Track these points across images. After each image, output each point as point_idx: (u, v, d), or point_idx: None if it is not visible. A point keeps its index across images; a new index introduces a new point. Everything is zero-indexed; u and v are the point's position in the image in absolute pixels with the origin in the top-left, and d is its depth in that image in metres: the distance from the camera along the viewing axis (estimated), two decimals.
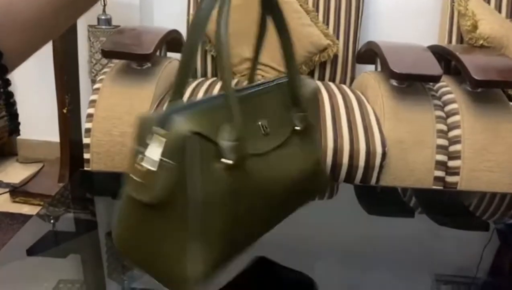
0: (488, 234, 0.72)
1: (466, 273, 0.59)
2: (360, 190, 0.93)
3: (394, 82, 1.23)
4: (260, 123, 0.50)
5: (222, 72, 0.43)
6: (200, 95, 1.23)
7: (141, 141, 0.41)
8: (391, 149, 1.11)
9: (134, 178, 0.42)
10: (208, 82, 1.34)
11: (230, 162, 0.43)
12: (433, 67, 1.16)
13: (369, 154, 1.09)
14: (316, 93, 0.61)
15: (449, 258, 0.62)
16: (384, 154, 1.09)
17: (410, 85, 1.23)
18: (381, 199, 0.87)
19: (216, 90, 1.25)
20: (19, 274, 0.51)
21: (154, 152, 0.41)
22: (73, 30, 1.56)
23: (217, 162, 0.43)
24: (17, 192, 1.69)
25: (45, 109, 1.90)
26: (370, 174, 1.10)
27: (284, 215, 0.59)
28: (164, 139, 0.41)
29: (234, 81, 1.34)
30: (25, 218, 1.56)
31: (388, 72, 1.17)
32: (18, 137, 2.00)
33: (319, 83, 1.39)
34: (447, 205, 0.84)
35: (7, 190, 1.73)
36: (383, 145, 1.10)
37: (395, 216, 0.77)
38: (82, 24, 1.64)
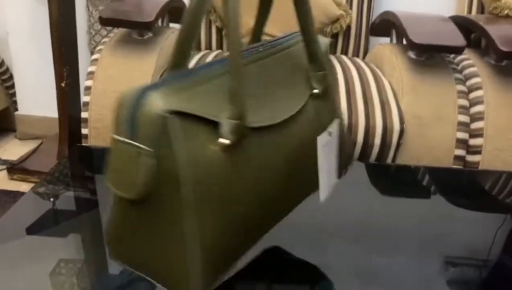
0: (506, 216, 0.66)
1: (477, 256, 0.57)
2: (374, 168, 0.87)
3: (412, 55, 1.15)
4: (270, 90, 0.44)
5: (230, 42, 0.36)
6: None
7: (118, 125, 0.35)
8: (409, 126, 1.04)
9: (114, 170, 0.36)
10: (213, 54, 1.26)
11: (228, 142, 0.36)
12: (456, 37, 1.07)
13: (386, 130, 1.02)
14: (328, 50, 0.54)
15: (461, 240, 0.60)
16: (402, 131, 1.02)
17: (430, 58, 1.15)
18: (396, 179, 0.82)
19: None
20: (19, 253, 0.49)
21: (129, 138, 0.34)
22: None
23: (212, 144, 0.36)
24: (15, 169, 1.63)
25: (44, 84, 1.83)
26: (386, 152, 1.03)
27: (306, 187, 0.50)
28: (136, 122, 0.34)
29: None
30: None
31: (407, 43, 1.09)
32: (17, 112, 1.94)
33: (332, 56, 1.31)
34: (467, 185, 0.78)
35: (4, 167, 1.67)
36: (401, 121, 1.02)
37: (409, 197, 0.72)
38: None
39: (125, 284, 0.46)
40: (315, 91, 0.49)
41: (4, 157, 1.76)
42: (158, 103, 0.34)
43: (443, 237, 0.60)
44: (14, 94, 1.93)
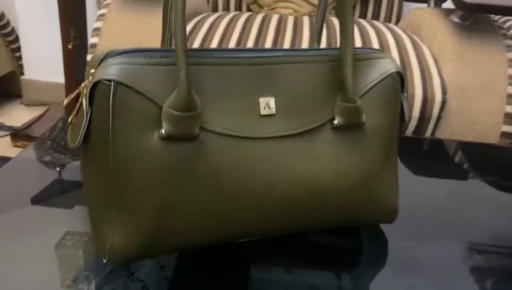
0: None
1: (505, 243, 0.50)
2: (410, 142, 0.77)
3: (456, 19, 1.02)
4: (261, 99, 0.39)
5: (175, 19, 0.35)
6: (219, 31, 1.04)
7: (84, 83, 0.38)
8: (452, 97, 0.92)
9: (73, 125, 0.40)
10: (229, 16, 1.14)
11: (162, 131, 0.36)
12: None
13: (426, 101, 0.90)
14: (394, 84, 0.43)
15: (491, 225, 0.53)
16: (443, 102, 0.90)
17: (476, 22, 1.02)
18: (433, 155, 0.73)
19: (239, 25, 1.06)
20: (24, 224, 0.47)
21: (86, 96, 0.37)
22: None
23: (157, 128, 0.36)
24: (19, 135, 1.55)
25: (51, 46, 1.73)
26: (425, 125, 0.91)
27: (292, 228, 0.43)
28: (91, 84, 0.36)
29: (260, 15, 1.14)
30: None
31: (454, 3, 0.96)
32: (23, 77, 1.85)
33: (363, 20, 1.18)
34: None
35: (8, 133, 1.59)
36: (444, 91, 0.90)
37: (446, 176, 0.63)
38: None
39: None
40: (335, 121, 0.41)
41: (8, 123, 1.68)
42: (108, 68, 0.36)
43: (479, 222, 0.53)
44: (20, 58, 1.83)
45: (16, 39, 1.80)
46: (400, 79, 0.44)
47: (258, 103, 0.39)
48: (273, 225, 0.41)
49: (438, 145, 0.78)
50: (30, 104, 1.84)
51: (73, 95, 0.41)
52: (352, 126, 0.42)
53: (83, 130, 0.37)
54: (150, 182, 0.37)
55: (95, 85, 0.36)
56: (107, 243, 0.38)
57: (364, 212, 0.44)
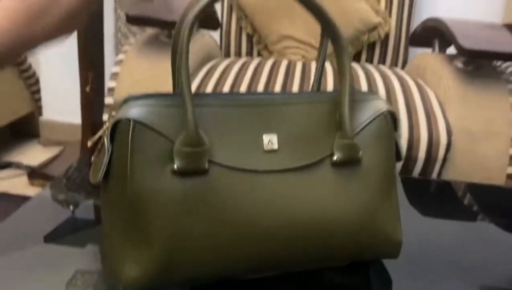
0: None
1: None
2: (416, 183, 0.78)
3: (459, 64, 1.06)
4: (264, 136, 0.43)
5: (180, 70, 0.40)
6: (231, 75, 1.09)
7: (107, 124, 0.41)
8: (457, 139, 0.94)
9: (95, 164, 0.43)
10: (241, 61, 1.20)
11: (175, 166, 0.39)
12: (511, 44, 0.98)
13: (431, 143, 0.92)
14: (386, 122, 0.47)
15: (498, 267, 0.53)
16: (449, 144, 0.92)
17: (479, 68, 1.05)
18: (440, 196, 0.74)
19: (250, 70, 1.11)
20: (36, 262, 0.48)
21: (107, 136, 0.41)
22: (98, 1, 1.44)
23: (170, 163, 0.40)
24: (36, 174, 1.59)
25: (69, 89, 1.80)
26: (431, 167, 0.93)
27: (296, 264, 0.45)
28: (112, 123, 0.40)
29: (271, 61, 1.19)
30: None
31: (456, 49, 1.00)
32: (41, 118, 1.91)
33: (369, 65, 1.23)
34: None
35: (25, 172, 1.63)
36: (449, 133, 0.93)
37: (454, 217, 0.64)
38: None
39: None
40: (334, 158, 0.44)
41: (26, 162, 1.73)
42: (128, 110, 0.40)
43: (488, 264, 0.53)
44: (40, 99, 1.91)
45: (37, 82, 1.87)
46: (392, 118, 0.47)
47: (262, 139, 0.43)
48: (278, 257, 0.43)
49: (444, 186, 0.80)
50: (47, 144, 1.89)
51: (96, 136, 0.44)
52: (350, 162, 0.44)
53: (104, 165, 0.40)
54: (164, 214, 0.39)
55: (116, 124, 0.40)
56: (122, 274, 0.40)
57: (367, 246, 0.46)
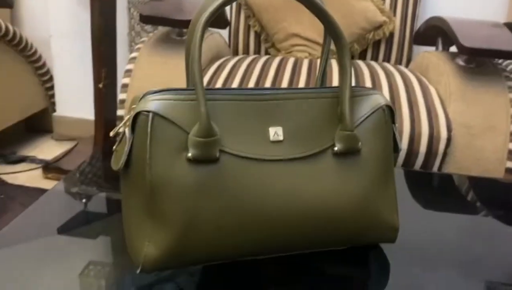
0: None
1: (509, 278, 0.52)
2: (417, 176, 0.82)
3: (461, 62, 1.09)
4: (270, 128, 0.47)
5: (193, 67, 0.44)
6: (239, 72, 1.13)
7: (127, 116, 0.46)
8: (457, 134, 0.97)
9: (116, 152, 0.47)
10: (249, 59, 1.24)
11: (189, 155, 0.43)
12: (511, 42, 1.01)
13: (432, 138, 0.96)
14: (384, 115, 0.50)
15: (507, 262, 0.54)
16: (449, 139, 0.96)
17: (480, 65, 1.08)
18: (440, 189, 0.76)
19: (258, 67, 1.15)
20: (49, 253, 0.51)
21: (129, 127, 0.45)
22: (111, 0, 1.49)
23: (185, 152, 0.43)
24: (50, 168, 1.65)
25: (82, 86, 1.85)
26: (432, 160, 0.97)
27: (300, 246, 0.49)
28: (130, 113, 0.44)
29: (278, 58, 1.23)
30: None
31: (457, 47, 1.03)
32: (54, 114, 1.97)
33: (374, 62, 1.26)
34: None
35: (40, 165, 1.69)
36: (449, 128, 0.96)
37: (454, 210, 0.66)
38: None
39: (152, 284, 0.47)
40: (335, 148, 0.48)
41: (40, 157, 1.78)
42: (147, 103, 0.44)
43: (486, 257, 0.55)
44: (53, 96, 1.96)
45: (50, 79, 1.93)
46: (389, 112, 0.51)
47: (268, 131, 0.47)
48: (283, 239, 0.47)
49: (444, 179, 0.83)
50: (60, 139, 1.95)
51: (118, 128, 0.48)
52: (350, 152, 0.48)
53: (125, 154, 0.44)
54: (179, 198, 0.43)
55: (136, 116, 0.44)
56: (142, 252, 0.44)
57: (366, 230, 0.50)
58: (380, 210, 0.50)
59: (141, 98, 0.46)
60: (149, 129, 0.43)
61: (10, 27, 1.64)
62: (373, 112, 0.50)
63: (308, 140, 0.48)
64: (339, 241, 0.51)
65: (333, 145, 0.48)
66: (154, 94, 0.45)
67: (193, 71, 0.44)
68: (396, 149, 0.53)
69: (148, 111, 0.43)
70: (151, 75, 1.09)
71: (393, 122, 0.53)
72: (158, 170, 0.43)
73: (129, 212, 0.47)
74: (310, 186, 0.47)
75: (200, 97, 0.44)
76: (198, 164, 0.44)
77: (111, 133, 0.50)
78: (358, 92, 0.51)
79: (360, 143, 0.49)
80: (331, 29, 0.49)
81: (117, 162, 0.46)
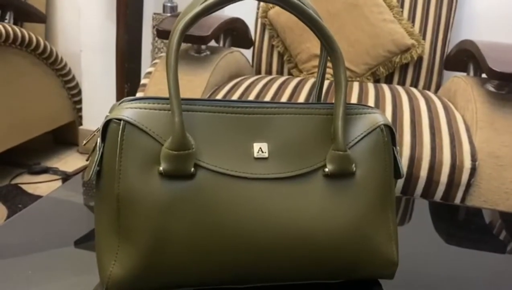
0: None
1: None
2: (439, 208, 0.75)
3: (491, 88, 1.02)
4: (254, 144, 0.43)
5: (168, 74, 0.41)
6: (255, 90, 1.10)
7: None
8: (483, 164, 0.90)
9: (89, 162, 0.44)
10: (268, 78, 1.21)
11: (161, 168, 0.40)
12: None
13: (455, 167, 0.89)
14: (383, 136, 0.45)
15: None
16: (473, 169, 0.89)
17: (511, 92, 1.01)
18: (464, 222, 0.70)
19: (274, 86, 1.11)
20: (65, 264, 0.50)
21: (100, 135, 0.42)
22: (138, 18, 1.50)
23: (158, 165, 0.40)
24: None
25: (108, 100, 1.87)
26: (453, 192, 0.89)
27: (282, 275, 0.44)
28: (104, 122, 0.42)
29: (297, 79, 1.19)
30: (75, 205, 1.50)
31: (485, 71, 0.96)
32: (81, 127, 1.99)
33: (398, 86, 1.20)
34: None
35: (60, 177, 1.70)
36: (473, 158, 0.89)
37: (478, 246, 0.61)
38: (148, 12, 1.59)
39: None
40: (326, 169, 0.43)
41: (63, 169, 1.80)
42: (120, 111, 0.41)
43: None
44: (81, 110, 1.99)
45: (79, 92, 1.96)
46: (389, 132, 0.46)
47: (252, 146, 0.43)
48: (263, 267, 0.42)
49: (466, 212, 0.76)
50: (84, 152, 1.96)
51: (90, 137, 0.45)
52: (343, 175, 0.43)
53: (95, 164, 0.41)
54: (149, 215, 0.40)
55: (107, 124, 0.41)
56: (108, 270, 0.41)
57: (358, 263, 0.44)
58: (375, 240, 0.45)
59: (117, 106, 0.43)
60: (119, 139, 0.40)
61: (41, 41, 1.68)
62: (370, 132, 0.46)
63: (297, 159, 0.43)
64: (327, 274, 0.45)
65: (324, 166, 0.44)
66: (130, 102, 0.42)
67: (168, 79, 0.41)
68: (397, 174, 0.48)
69: (120, 120, 0.41)
70: (163, 90, 1.07)
71: (394, 144, 0.47)
72: (127, 183, 0.40)
73: (99, 227, 0.44)
74: (295, 209, 0.42)
75: (174, 107, 0.40)
76: (171, 179, 0.40)
77: (84, 142, 0.47)
78: (354, 110, 0.46)
79: (354, 165, 0.44)
80: (327, 42, 0.45)
81: (88, 173, 0.43)
